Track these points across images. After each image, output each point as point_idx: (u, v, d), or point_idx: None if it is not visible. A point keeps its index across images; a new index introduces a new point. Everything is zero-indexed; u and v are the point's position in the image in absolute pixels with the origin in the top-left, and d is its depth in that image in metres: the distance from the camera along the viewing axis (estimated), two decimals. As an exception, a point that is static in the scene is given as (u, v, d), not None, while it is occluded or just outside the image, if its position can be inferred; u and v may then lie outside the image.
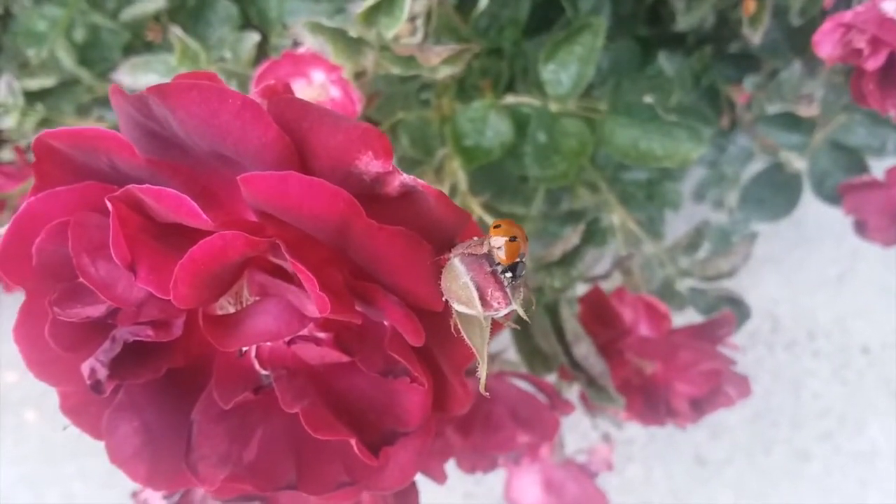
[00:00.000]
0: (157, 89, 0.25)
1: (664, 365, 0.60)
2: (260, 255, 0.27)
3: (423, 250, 0.27)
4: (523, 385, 0.54)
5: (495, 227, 0.27)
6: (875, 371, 1.35)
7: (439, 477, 0.47)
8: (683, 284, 0.75)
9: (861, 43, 0.45)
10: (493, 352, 0.55)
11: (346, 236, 0.26)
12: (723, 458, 1.34)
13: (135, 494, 0.53)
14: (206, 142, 0.26)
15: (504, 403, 0.50)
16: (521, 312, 0.26)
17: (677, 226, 1.09)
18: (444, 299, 0.27)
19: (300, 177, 0.25)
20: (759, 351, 1.36)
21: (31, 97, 0.70)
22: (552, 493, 0.70)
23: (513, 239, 0.26)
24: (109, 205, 0.25)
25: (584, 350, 0.53)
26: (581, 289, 0.63)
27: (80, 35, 0.69)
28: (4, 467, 1.33)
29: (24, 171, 0.76)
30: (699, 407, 0.61)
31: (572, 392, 0.62)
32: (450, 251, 0.27)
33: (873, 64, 0.44)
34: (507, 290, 0.26)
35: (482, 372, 0.27)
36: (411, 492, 0.40)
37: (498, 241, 0.26)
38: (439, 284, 0.27)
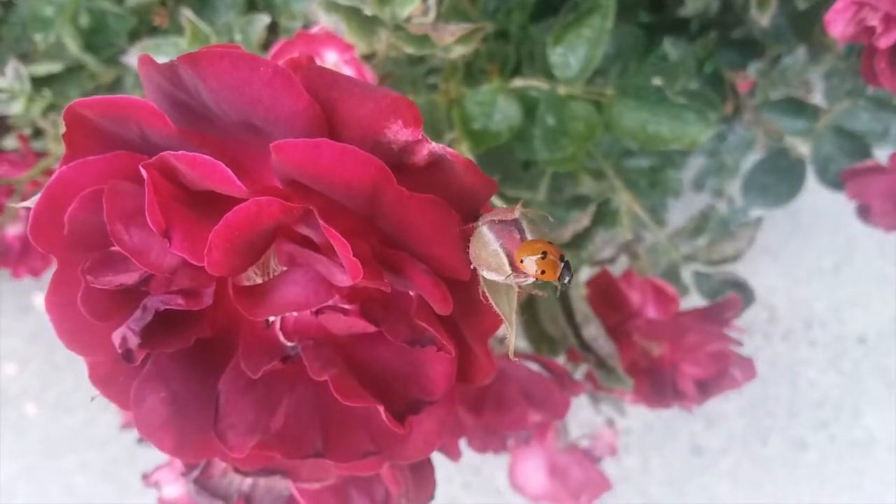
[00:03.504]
0: (189, 58, 0.25)
1: (671, 347, 0.60)
2: (289, 225, 0.27)
3: (451, 218, 0.27)
4: (533, 367, 0.54)
5: (540, 253, 0.27)
6: (871, 360, 1.36)
7: (454, 454, 0.48)
8: (688, 270, 0.76)
9: (874, 20, 0.45)
10: (499, 335, 0.56)
11: (375, 204, 0.26)
12: (719, 448, 1.34)
13: (146, 476, 0.53)
14: (236, 111, 0.26)
15: (515, 383, 0.51)
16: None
17: (676, 214, 1.10)
18: (471, 267, 0.27)
19: (332, 143, 0.25)
20: (757, 340, 1.36)
21: (38, 83, 0.70)
22: (556, 477, 0.71)
23: (542, 272, 0.26)
24: (144, 172, 0.25)
25: (594, 331, 0.53)
26: (586, 275, 0.64)
27: (85, 21, 0.70)
28: (4, 460, 1.33)
29: (28, 159, 0.76)
30: (705, 389, 0.61)
31: (578, 376, 0.62)
32: (476, 220, 0.27)
33: (886, 41, 0.45)
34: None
35: (510, 338, 0.27)
36: (427, 467, 0.41)
37: (530, 267, 0.26)
38: (467, 253, 0.27)
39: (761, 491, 1.33)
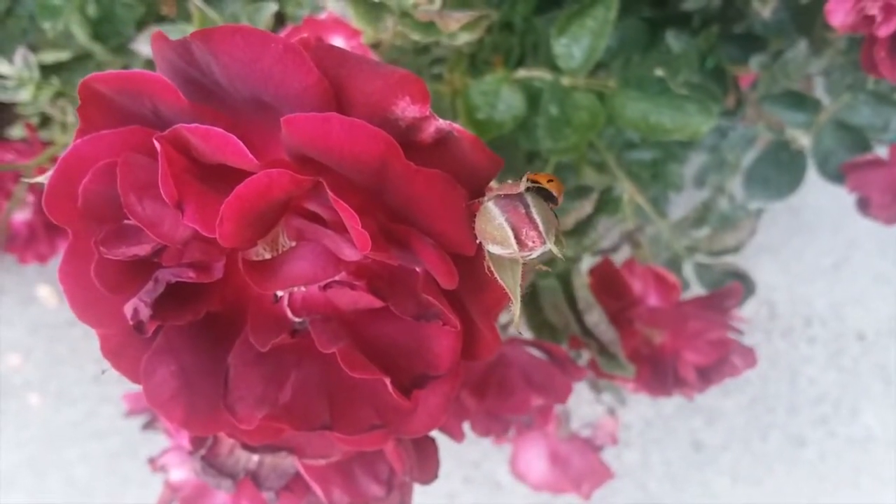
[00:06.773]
0: (201, 34, 0.26)
1: (672, 334, 0.61)
2: (298, 202, 0.28)
3: (458, 193, 0.27)
4: (535, 352, 0.55)
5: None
6: (870, 358, 1.36)
7: (457, 435, 0.48)
8: (689, 262, 0.76)
9: (874, 9, 0.45)
10: (502, 322, 0.56)
11: (383, 178, 0.26)
12: (719, 444, 1.35)
13: (152, 461, 0.53)
14: (247, 87, 0.27)
15: (517, 368, 0.51)
16: (556, 251, 0.27)
17: (677, 211, 1.10)
18: (476, 243, 0.28)
19: (341, 117, 0.25)
20: (757, 337, 1.36)
21: (46, 71, 0.71)
22: (558, 465, 0.71)
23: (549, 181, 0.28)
24: (157, 144, 0.26)
25: (596, 318, 0.54)
26: (588, 264, 0.64)
27: (93, 10, 0.70)
28: (6, 451, 1.33)
29: (35, 148, 0.77)
30: (706, 376, 0.61)
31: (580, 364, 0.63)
32: (482, 196, 0.28)
33: (885, 30, 0.45)
34: (542, 230, 0.27)
35: (515, 311, 0.28)
36: (431, 446, 0.41)
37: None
38: (472, 228, 0.28)
39: (760, 487, 1.33)
